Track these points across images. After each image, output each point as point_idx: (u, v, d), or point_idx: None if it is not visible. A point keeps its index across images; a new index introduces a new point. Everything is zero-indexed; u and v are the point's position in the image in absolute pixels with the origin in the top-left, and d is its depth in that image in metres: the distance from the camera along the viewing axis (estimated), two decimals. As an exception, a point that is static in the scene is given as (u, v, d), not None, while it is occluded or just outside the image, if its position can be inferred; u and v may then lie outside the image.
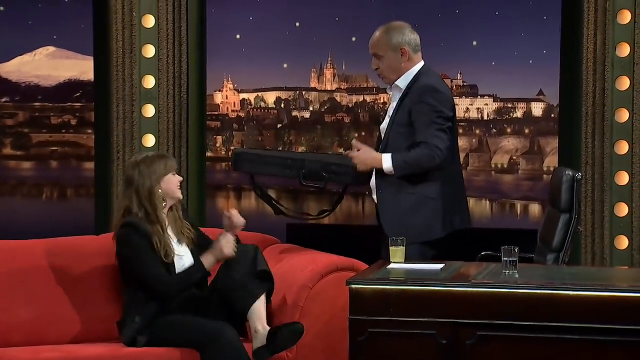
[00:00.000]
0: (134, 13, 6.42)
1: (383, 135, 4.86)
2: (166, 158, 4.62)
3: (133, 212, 4.50)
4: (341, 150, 7.36)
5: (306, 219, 5.61)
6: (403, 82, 4.80)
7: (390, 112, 4.84)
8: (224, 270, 4.49)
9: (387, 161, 4.68)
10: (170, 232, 4.54)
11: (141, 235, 4.45)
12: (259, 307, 4.38)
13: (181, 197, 4.61)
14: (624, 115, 6.15)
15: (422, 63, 4.85)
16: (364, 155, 4.77)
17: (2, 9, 7.15)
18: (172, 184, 4.54)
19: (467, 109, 7.28)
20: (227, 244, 4.45)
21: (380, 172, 4.74)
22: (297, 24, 7.15)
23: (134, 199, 4.50)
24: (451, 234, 4.81)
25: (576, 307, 3.82)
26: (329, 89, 7.46)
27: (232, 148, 4.78)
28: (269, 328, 4.33)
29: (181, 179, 4.61)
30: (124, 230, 4.47)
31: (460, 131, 7.29)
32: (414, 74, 4.80)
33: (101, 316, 4.66)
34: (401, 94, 4.79)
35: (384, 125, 4.86)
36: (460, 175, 4.91)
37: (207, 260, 4.47)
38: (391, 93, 4.89)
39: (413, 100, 4.73)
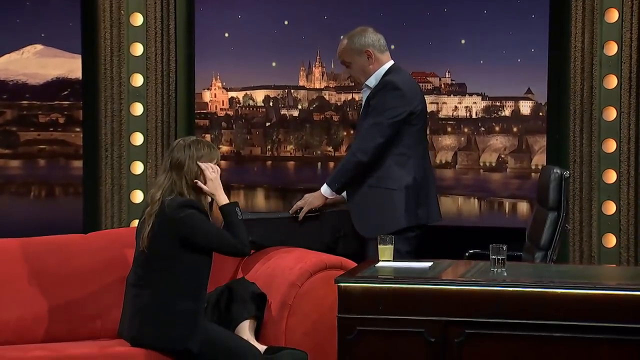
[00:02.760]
0: (122, 11, 6.41)
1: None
2: (211, 146, 4.53)
3: (183, 194, 4.38)
4: (330, 148, 7.37)
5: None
6: (372, 81, 4.88)
7: (361, 114, 4.95)
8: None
9: (323, 187, 4.85)
10: None
11: (198, 210, 4.37)
12: (249, 324, 4.43)
13: None
14: (611, 114, 6.17)
15: (390, 62, 4.91)
16: (306, 197, 4.93)
17: (-11, 7, 7.14)
18: (214, 171, 4.47)
19: (456, 107, 7.29)
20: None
21: None
22: (286, 23, 7.15)
23: (183, 182, 4.39)
24: (432, 230, 4.87)
25: (564, 305, 3.83)
26: (318, 87, 7.47)
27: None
28: (264, 347, 4.34)
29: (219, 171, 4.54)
30: (190, 211, 4.33)
31: (449, 129, 7.31)
32: (383, 72, 4.87)
33: (89, 314, 4.64)
34: (369, 92, 4.88)
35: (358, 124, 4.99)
36: (427, 168, 4.93)
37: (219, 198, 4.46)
38: (362, 92, 4.96)
39: (372, 95, 4.84)
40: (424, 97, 4.96)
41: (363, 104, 4.92)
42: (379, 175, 4.80)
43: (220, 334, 4.32)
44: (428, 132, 7.15)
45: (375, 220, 4.78)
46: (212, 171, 4.43)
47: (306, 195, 4.94)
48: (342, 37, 4.94)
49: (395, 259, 4.38)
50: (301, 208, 4.90)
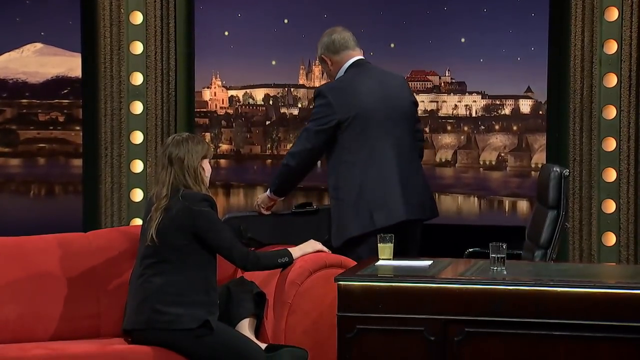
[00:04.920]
0: (122, 10, 6.41)
1: None
2: (205, 142, 4.58)
3: (190, 188, 4.39)
4: None
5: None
6: None
7: None
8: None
9: (268, 189, 4.93)
10: None
11: (215, 208, 4.43)
12: (249, 323, 4.44)
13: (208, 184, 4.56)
14: (611, 112, 6.17)
15: (351, 60, 4.89)
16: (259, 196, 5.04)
17: (-11, 5, 7.14)
18: (206, 169, 4.51)
19: (455, 105, 7.29)
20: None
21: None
22: (285, 21, 7.15)
23: (187, 176, 4.41)
24: (432, 229, 4.90)
25: (564, 304, 3.83)
26: (317, 86, 7.46)
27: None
28: (264, 345, 4.34)
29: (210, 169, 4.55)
30: (210, 208, 4.37)
31: (449, 128, 7.31)
32: (343, 73, 4.90)
33: (89, 313, 4.64)
34: None
35: None
36: (383, 169, 4.79)
37: (295, 251, 4.52)
38: None
39: None
40: (372, 98, 4.80)
41: None
42: (334, 185, 4.83)
43: (228, 332, 4.33)
44: (427, 130, 7.20)
45: (334, 229, 4.81)
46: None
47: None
48: None
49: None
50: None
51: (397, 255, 4.42)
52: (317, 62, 5.04)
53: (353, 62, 4.88)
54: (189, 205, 4.33)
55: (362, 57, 4.93)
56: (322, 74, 7.44)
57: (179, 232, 4.34)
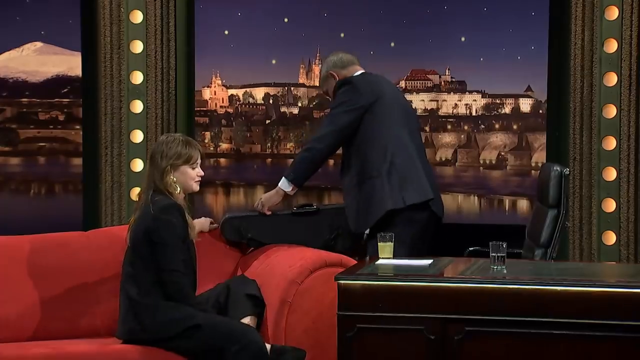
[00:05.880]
0: (122, 8, 6.41)
1: None
2: (190, 147, 4.46)
3: (161, 191, 4.38)
4: None
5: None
6: None
7: None
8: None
9: (281, 181, 4.91)
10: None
11: (180, 222, 4.35)
12: (249, 322, 4.43)
13: (196, 189, 4.50)
14: (611, 111, 6.17)
15: (358, 72, 5.03)
16: (265, 194, 5.01)
17: (-12, 4, 7.13)
18: (187, 175, 4.48)
19: (455, 104, 7.29)
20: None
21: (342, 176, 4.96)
22: (285, 20, 7.15)
23: (156, 178, 4.39)
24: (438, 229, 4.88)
25: (564, 303, 3.83)
26: (317, 85, 7.46)
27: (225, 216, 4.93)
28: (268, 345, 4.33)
29: (201, 173, 4.48)
30: (171, 219, 4.32)
31: (449, 127, 7.30)
32: None
33: (88, 311, 4.65)
34: None
35: None
36: (409, 151, 4.92)
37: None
38: None
39: None
40: (392, 88, 5.08)
41: None
42: (360, 168, 4.87)
43: (218, 317, 4.34)
44: (428, 129, 7.20)
45: (363, 211, 4.82)
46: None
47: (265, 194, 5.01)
48: None
49: (400, 247, 4.41)
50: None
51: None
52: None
53: (359, 74, 5.03)
54: (153, 211, 4.33)
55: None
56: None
57: (140, 235, 4.35)
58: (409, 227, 4.78)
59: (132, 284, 4.35)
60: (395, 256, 4.38)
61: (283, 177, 4.91)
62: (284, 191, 4.91)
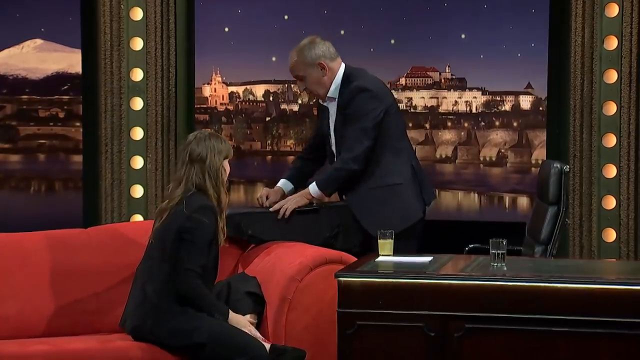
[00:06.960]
0: (122, 5, 6.41)
1: (334, 148, 4.96)
2: (227, 141, 4.46)
3: (205, 190, 4.33)
4: None
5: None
6: (334, 92, 4.92)
7: (332, 124, 4.96)
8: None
9: (312, 188, 4.88)
10: None
11: (213, 224, 4.29)
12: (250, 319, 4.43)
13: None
14: (611, 108, 6.17)
15: (342, 66, 4.94)
16: (290, 198, 4.92)
17: (-12, 1, 7.13)
18: (227, 170, 4.44)
19: (456, 102, 7.29)
20: None
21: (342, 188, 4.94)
22: (286, 17, 7.14)
23: (206, 177, 4.31)
24: (432, 225, 4.98)
25: (564, 300, 3.83)
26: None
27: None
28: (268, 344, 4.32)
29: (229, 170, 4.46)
30: (204, 220, 4.26)
31: (449, 124, 7.30)
32: (340, 79, 4.91)
33: (89, 308, 4.64)
34: (336, 103, 4.91)
35: (333, 140, 4.97)
36: (413, 153, 5.10)
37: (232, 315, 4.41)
38: (327, 104, 4.98)
39: (345, 104, 4.87)
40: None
41: (332, 117, 4.94)
42: (383, 173, 4.86)
43: (226, 329, 4.31)
44: (428, 127, 7.21)
45: (389, 218, 4.78)
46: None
47: (290, 197, 4.96)
48: (291, 51, 4.96)
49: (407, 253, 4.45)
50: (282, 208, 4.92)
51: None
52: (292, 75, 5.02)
53: (347, 69, 4.93)
54: (186, 209, 4.28)
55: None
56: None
57: (171, 233, 4.29)
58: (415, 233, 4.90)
59: (149, 279, 4.32)
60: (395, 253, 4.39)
61: (318, 189, 4.87)
62: (312, 196, 4.91)
